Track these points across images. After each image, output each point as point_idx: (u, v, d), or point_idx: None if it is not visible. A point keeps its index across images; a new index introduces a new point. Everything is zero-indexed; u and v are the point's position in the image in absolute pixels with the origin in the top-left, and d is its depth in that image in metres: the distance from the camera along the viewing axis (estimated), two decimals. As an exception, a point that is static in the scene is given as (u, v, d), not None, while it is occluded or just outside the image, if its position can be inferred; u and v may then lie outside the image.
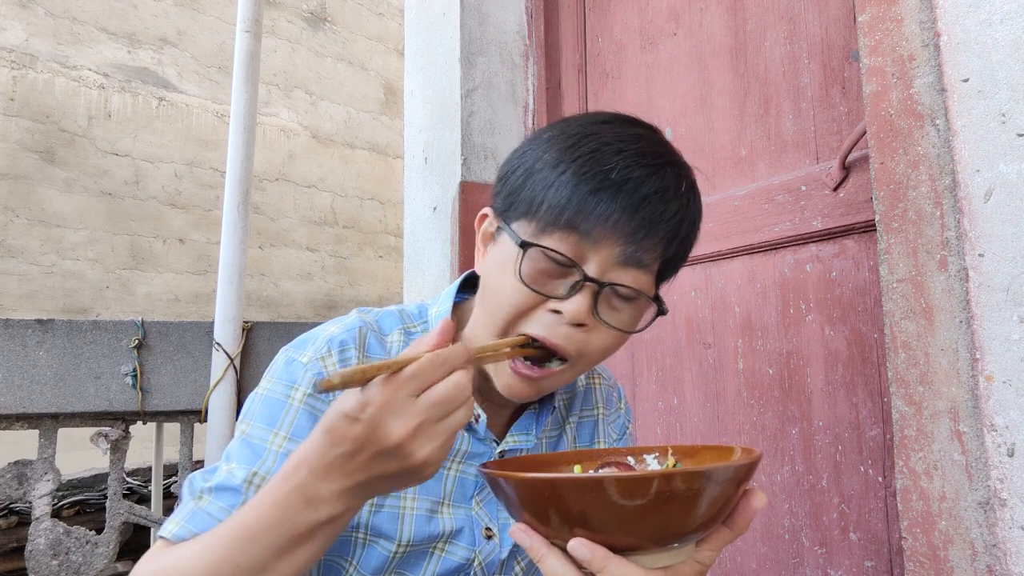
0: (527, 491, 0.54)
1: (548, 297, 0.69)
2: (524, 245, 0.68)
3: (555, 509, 0.53)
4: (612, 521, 0.52)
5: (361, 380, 0.54)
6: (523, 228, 0.71)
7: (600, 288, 0.68)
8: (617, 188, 0.67)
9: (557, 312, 0.69)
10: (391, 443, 0.54)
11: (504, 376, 0.73)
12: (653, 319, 0.75)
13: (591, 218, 0.66)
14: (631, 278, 0.70)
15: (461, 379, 0.55)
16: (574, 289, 0.68)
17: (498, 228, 0.75)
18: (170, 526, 0.68)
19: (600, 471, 0.64)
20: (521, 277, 0.68)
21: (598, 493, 0.51)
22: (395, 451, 0.54)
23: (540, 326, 0.69)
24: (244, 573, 0.59)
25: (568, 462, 0.71)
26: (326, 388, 0.52)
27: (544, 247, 0.68)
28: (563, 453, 0.73)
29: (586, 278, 0.68)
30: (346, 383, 0.53)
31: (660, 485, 0.51)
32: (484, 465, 0.62)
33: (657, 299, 0.74)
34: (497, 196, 0.76)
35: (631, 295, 0.71)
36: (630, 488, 0.51)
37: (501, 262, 0.72)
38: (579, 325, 0.69)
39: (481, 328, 0.74)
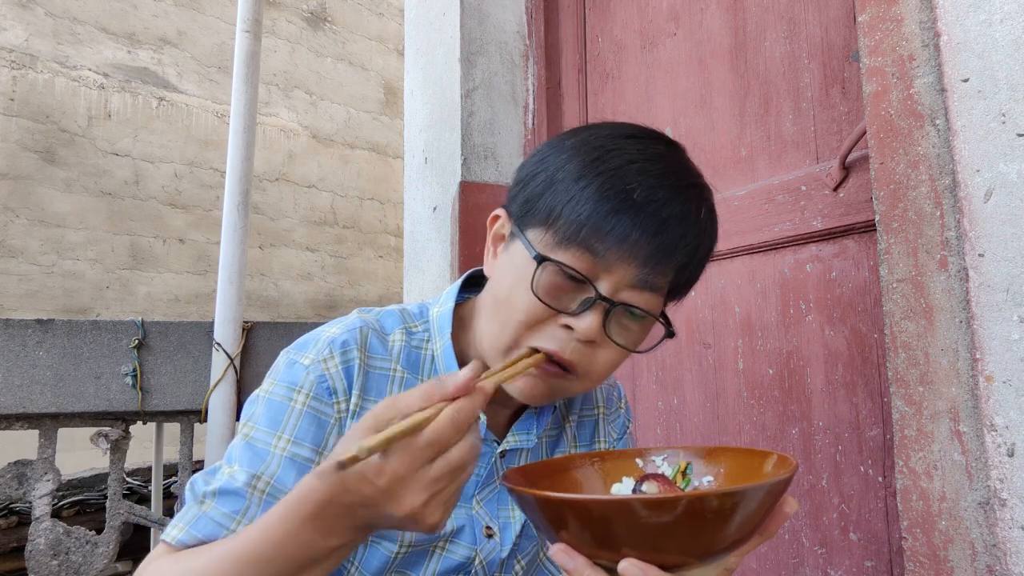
0: (574, 513, 0.53)
1: (560, 312, 0.68)
2: (540, 259, 0.67)
3: (603, 530, 0.52)
4: (662, 540, 0.51)
5: (385, 449, 0.53)
6: (539, 237, 0.70)
7: (612, 307, 0.68)
8: (638, 210, 0.66)
9: (568, 327, 0.68)
10: (403, 512, 0.55)
11: (520, 380, 0.72)
12: (660, 341, 0.75)
13: (609, 238, 0.66)
14: (643, 300, 0.70)
15: (474, 442, 0.56)
16: (585, 306, 0.68)
17: (511, 233, 0.74)
18: (173, 531, 0.68)
19: (644, 486, 0.63)
20: (535, 291, 0.67)
21: (653, 513, 0.50)
22: (408, 516, 0.55)
23: (551, 340, 0.69)
24: None
25: (582, 466, 0.70)
26: (351, 464, 0.51)
27: (560, 263, 0.67)
28: (576, 457, 0.72)
29: (599, 297, 0.67)
30: (372, 454, 0.52)
31: (717, 504, 0.50)
32: (506, 479, 0.61)
33: (667, 322, 0.75)
34: (513, 200, 0.75)
35: (641, 315, 0.71)
36: (689, 508, 0.49)
37: (514, 271, 0.71)
38: (588, 342, 0.69)
39: (489, 337, 0.73)
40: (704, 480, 0.67)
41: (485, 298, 0.79)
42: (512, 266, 0.72)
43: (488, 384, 0.58)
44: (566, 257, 0.67)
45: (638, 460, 0.71)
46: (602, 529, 0.52)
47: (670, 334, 0.74)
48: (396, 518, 0.55)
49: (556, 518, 0.54)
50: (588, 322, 0.67)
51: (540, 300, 0.68)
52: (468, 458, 0.55)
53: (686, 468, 0.67)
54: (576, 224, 0.66)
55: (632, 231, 0.65)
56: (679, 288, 0.74)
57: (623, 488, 0.66)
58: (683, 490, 0.63)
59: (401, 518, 0.55)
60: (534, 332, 0.69)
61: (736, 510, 0.51)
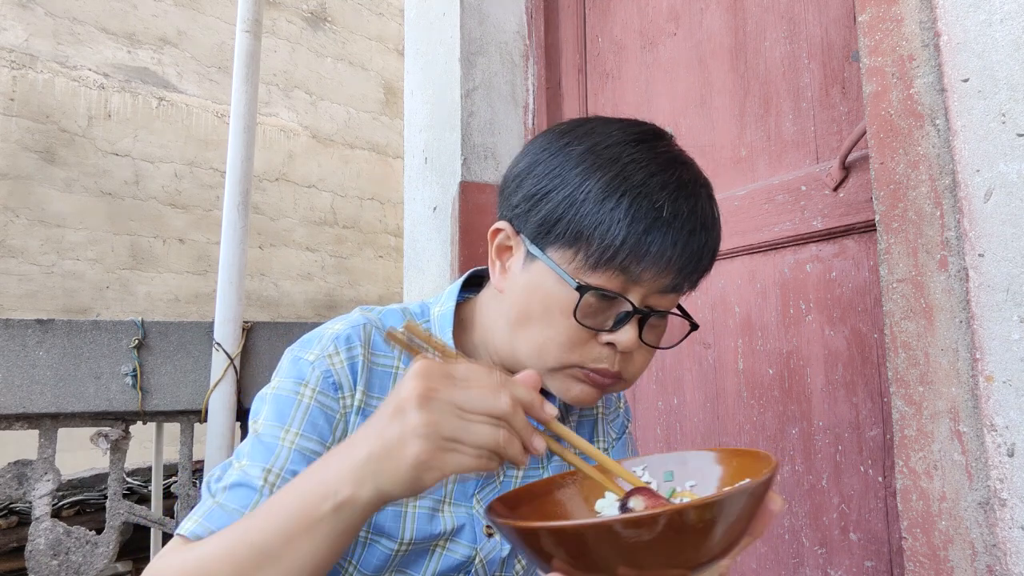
0: (560, 541, 0.51)
1: (598, 331, 0.71)
2: (583, 289, 0.68)
3: (595, 555, 0.51)
4: (657, 557, 0.51)
5: (425, 337, 0.58)
6: (566, 260, 0.70)
7: (646, 317, 0.71)
8: (668, 225, 0.68)
9: (610, 344, 0.71)
10: (400, 397, 0.54)
11: (576, 388, 0.74)
12: (686, 335, 0.79)
13: (646, 259, 0.68)
14: (669, 302, 0.73)
15: (504, 398, 0.54)
16: (622, 321, 0.70)
17: (529, 253, 0.74)
18: (188, 524, 0.68)
19: (630, 502, 0.62)
20: (578, 319, 0.69)
21: (635, 532, 0.49)
22: (399, 407, 0.54)
23: (597, 359, 0.72)
24: (255, 554, 0.59)
25: (564, 485, 0.68)
26: (390, 337, 0.59)
27: (601, 289, 0.69)
28: (557, 477, 0.70)
29: (635, 310, 0.70)
30: (410, 330, 0.58)
31: (697, 515, 0.49)
32: (491, 511, 0.59)
33: (688, 317, 0.78)
34: (522, 215, 0.74)
35: (667, 314, 0.75)
36: (676, 522, 0.49)
37: (545, 295, 0.72)
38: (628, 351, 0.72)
39: (528, 359, 0.74)
40: (687, 485, 0.67)
41: (492, 305, 0.80)
42: (542, 290, 0.72)
43: (538, 442, 0.57)
44: (602, 280, 0.69)
45: (634, 471, 0.70)
46: (590, 552, 0.51)
47: (694, 326, 0.78)
48: (394, 408, 0.54)
49: (542, 548, 0.53)
50: (628, 335, 0.70)
51: (582, 325, 0.70)
52: (488, 400, 0.54)
53: (667, 476, 0.67)
54: (611, 249, 0.68)
55: (666, 249, 0.68)
56: (696, 282, 0.76)
57: (606, 504, 0.65)
58: (668, 499, 0.62)
59: (397, 405, 0.54)
60: (576, 351, 0.72)
61: (719, 518, 0.50)
